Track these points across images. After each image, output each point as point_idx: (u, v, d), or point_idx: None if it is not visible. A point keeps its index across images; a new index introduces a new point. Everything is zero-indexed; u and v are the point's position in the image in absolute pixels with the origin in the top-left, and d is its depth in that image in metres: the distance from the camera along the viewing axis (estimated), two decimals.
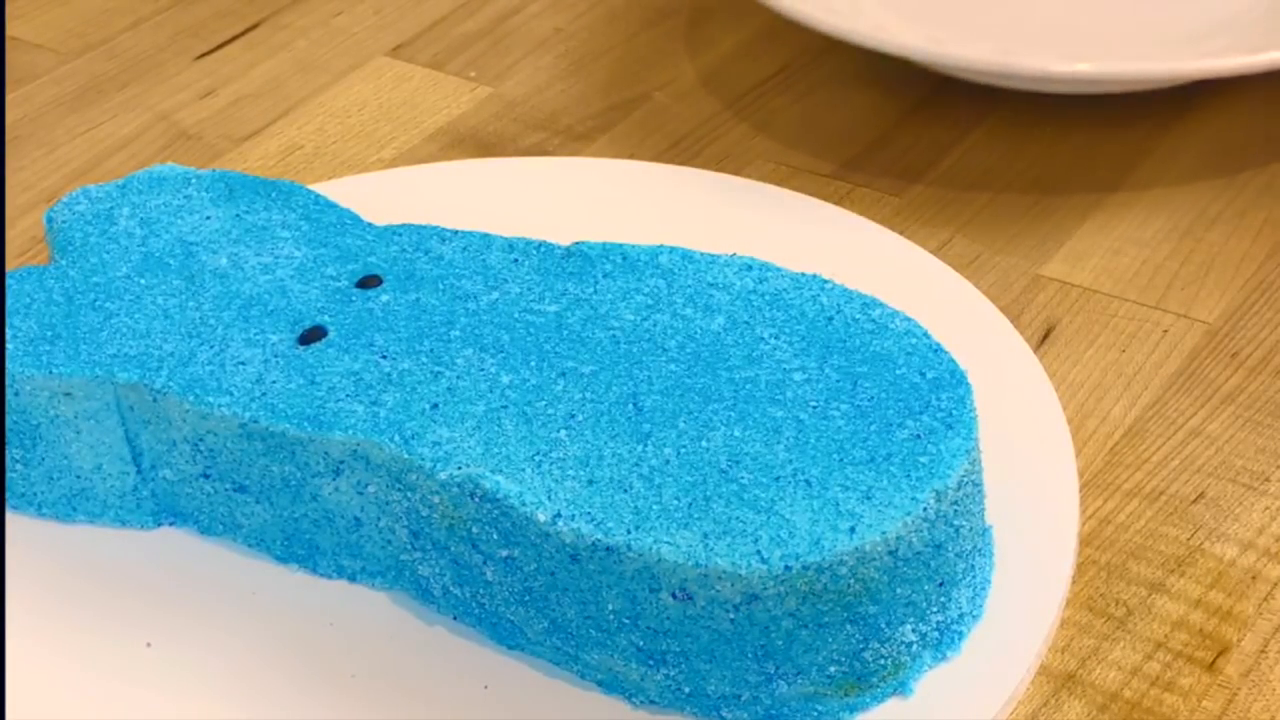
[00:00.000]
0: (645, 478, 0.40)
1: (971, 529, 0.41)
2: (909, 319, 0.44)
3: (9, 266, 0.58)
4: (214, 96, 0.69)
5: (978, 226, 0.59)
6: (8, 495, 0.48)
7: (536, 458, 0.41)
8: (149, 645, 0.43)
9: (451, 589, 0.43)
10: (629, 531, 0.38)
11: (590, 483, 0.40)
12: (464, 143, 0.65)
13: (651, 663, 0.40)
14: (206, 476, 0.45)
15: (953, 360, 0.42)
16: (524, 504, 0.39)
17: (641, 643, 0.39)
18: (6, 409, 0.46)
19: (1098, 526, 0.47)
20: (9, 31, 0.74)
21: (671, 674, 0.40)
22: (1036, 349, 0.53)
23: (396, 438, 0.42)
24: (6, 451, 0.47)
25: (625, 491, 0.39)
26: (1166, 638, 0.43)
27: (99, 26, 0.75)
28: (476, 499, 0.40)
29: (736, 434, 0.41)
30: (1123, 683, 0.42)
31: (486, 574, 0.41)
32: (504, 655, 0.42)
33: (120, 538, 0.47)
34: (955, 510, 0.39)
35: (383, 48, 0.72)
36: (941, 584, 0.40)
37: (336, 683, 0.42)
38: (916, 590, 0.39)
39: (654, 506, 0.39)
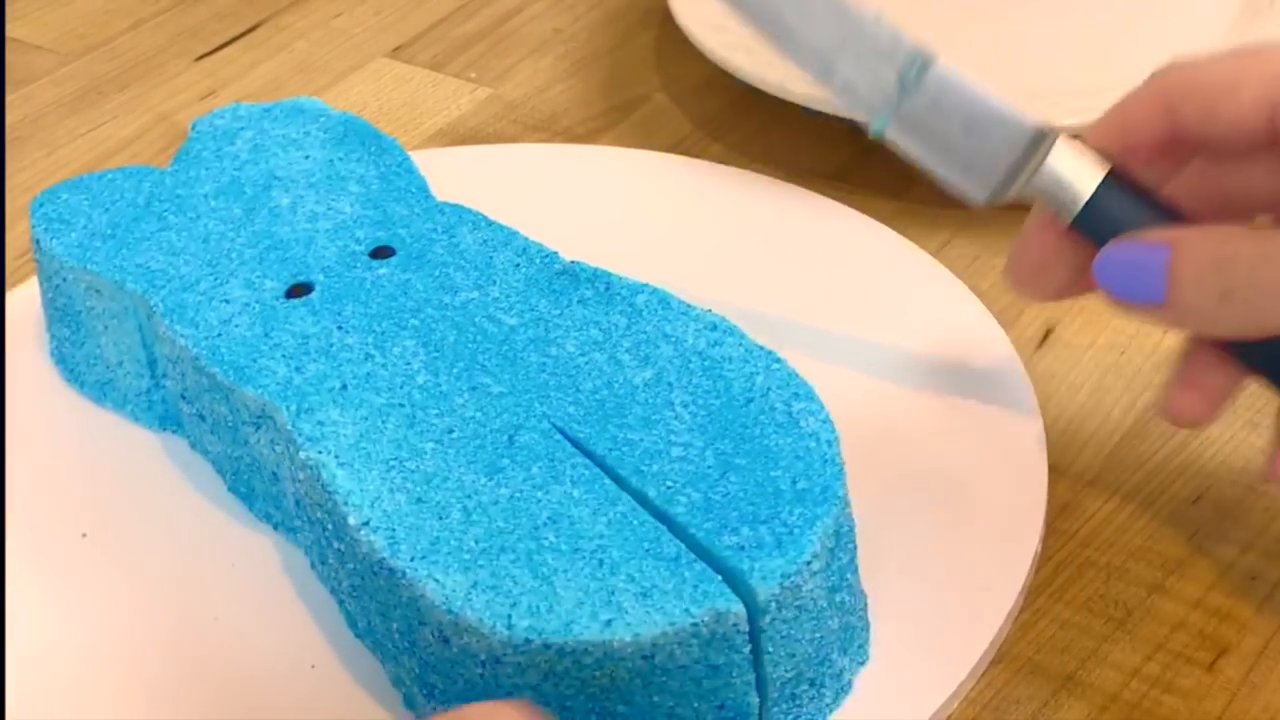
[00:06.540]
0: (466, 511, 0.39)
1: (785, 659, 0.38)
2: (828, 422, 0.41)
3: (9, 267, 0.60)
4: (214, 98, 0.70)
5: (977, 227, 0.57)
6: (61, 366, 0.52)
7: (391, 462, 0.41)
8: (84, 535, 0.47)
9: (318, 564, 0.44)
10: (412, 559, 0.38)
11: (418, 501, 0.40)
12: (464, 144, 0.64)
13: (426, 689, 0.39)
14: (184, 397, 0.48)
15: (838, 481, 0.39)
16: (345, 503, 0.40)
17: (418, 669, 0.39)
18: (55, 292, 0.50)
19: (1098, 527, 0.46)
20: (9, 32, 0.75)
21: (439, 708, 0.39)
22: (1036, 350, 0.52)
23: (293, 407, 0.43)
24: (58, 328, 0.51)
25: (440, 519, 0.39)
26: (1166, 639, 0.43)
27: (99, 27, 0.75)
28: (319, 485, 0.41)
29: (575, 494, 0.39)
30: (1122, 684, 0.42)
31: (331, 559, 0.42)
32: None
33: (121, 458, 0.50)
34: (744, 639, 0.37)
35: (383, 49, 0.72)
36: (722, 706, 0.37)
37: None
38: (681, 703, 0.37)
39: (452, 541, 0.38)
